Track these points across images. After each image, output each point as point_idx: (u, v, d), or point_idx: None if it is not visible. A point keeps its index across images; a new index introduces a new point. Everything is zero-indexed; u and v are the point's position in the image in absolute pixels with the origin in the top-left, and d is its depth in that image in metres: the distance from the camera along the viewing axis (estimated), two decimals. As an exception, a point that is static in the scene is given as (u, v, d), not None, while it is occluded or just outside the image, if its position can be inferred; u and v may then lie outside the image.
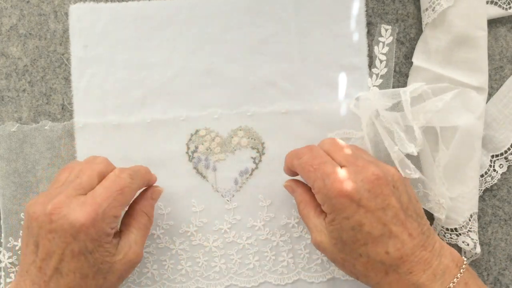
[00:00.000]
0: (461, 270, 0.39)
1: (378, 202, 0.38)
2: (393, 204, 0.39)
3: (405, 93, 0.45)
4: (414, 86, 0.46)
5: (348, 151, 0.42)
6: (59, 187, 0.41)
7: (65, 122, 0.49)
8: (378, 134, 0.46)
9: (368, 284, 0.41)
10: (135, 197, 0.45)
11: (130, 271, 0.42)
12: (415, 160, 0.47)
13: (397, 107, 0.47)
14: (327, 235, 0.41)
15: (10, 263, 0.48)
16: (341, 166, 0.41)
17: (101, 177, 0.42)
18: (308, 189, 0.44)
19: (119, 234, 0.42)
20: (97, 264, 0.39)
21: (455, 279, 0.39)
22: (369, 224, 0.38)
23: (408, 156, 0.44)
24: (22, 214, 0.49)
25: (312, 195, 0.43)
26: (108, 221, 0.39)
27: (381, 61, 0.50)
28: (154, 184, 0.47)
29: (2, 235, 0.49)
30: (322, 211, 0.42)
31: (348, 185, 0.39)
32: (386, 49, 0.50)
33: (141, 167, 0.45)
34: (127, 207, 0.45)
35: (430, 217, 0.48)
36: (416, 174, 0.43)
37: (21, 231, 0.48)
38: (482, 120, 0.48)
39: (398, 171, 0.42)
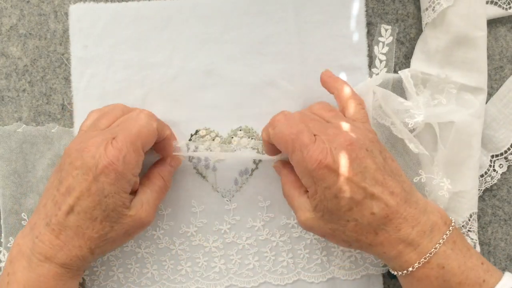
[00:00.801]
0: (450, 228, 0.40)
1: (355, 166, 0.39)
2: (369, 165, 0.40)
3: (404, 72, 0.46)
4: (412, 69, 0.47)
5: (316, 122, 0.43)
6: (100, 131, 0.42)
7: (70, 129, 0.50)
8: (384, 116, 0.47)
9: (361, 248, 0.42)
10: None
11: (138, 231, 0.43)
12: (415, 156, 0.47)
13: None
14: (311, 211, 0.41)
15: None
16: (314, 135, 0.41)
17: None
18: (293, 169, 0.44)
19: (134, 192, 0.43)
20: (108, 210, 0.40)
21: (445, 236, 0.40)
22: (350, 190, 0.39)
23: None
24: (22, 214, 0.49)
25: (297, 176, 0.43)
26: (129, 166, 0.40)
27: (381, 61, 0.50)
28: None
29: (2, 235, 0.49)
30: (306, 190, 0.42)
31: (326, 155, 0.39)
32: (386, 49, 0.50)
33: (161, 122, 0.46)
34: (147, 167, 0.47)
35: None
36: (424, 150, 0.43)
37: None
38: (481, 120, 0.48)
39: (371, 133, 0.42)
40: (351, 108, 0.44)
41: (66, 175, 0.40)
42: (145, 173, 0.46)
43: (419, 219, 0.40)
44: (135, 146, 0.41)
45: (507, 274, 0.40)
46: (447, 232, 0.40)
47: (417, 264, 0.39)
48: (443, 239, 0.40)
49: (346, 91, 0.45)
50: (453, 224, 0.41)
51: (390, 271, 0.43)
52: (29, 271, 0.40)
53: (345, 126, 0.42)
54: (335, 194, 0.39)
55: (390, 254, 0.40)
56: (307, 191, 0.42)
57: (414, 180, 0.46)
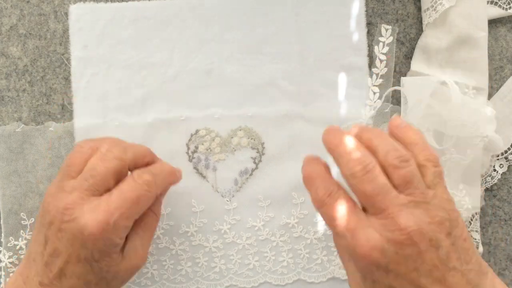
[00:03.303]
0: None
1: (410, 263, 0.33)
2: (427, 261, 0.33)
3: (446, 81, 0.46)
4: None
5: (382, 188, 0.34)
6: (74, 180, 0.38)
7: (65, 123, 0.50)
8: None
9: None
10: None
11: (133, 275, 0.42)
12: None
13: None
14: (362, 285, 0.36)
15: (10, 262, 0.49)
16: (364, 209, 0.35)
17: (117, 176, 0.39)
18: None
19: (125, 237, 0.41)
20: (102, 272, 0.38)
21: None
22: (400, 287, 0.33)
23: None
24: (22, 214, 0.49)
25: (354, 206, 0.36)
26: (119, 232, 0.37)
27: (381, 61, 0.50)
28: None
29: (2, 235, 0.49)
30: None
31: (374, 247, 0.33)
32: (386, 49, 0.50)
33: (165, 167, 0.42)
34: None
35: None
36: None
37: (21, 231, 0.49)
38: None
39: (441, 211, 0.34)
40: (426, 171, 0.35)
41: (50, 235, 0.37)
42: None
43: None
44: (129, 212, 0.37)
45: None
46: None
47: None
48: None
49: (422, 146, 0.36)
50: None
51: None
52: None
53: (410, 203, 0.33)
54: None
55: None
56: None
57: None
